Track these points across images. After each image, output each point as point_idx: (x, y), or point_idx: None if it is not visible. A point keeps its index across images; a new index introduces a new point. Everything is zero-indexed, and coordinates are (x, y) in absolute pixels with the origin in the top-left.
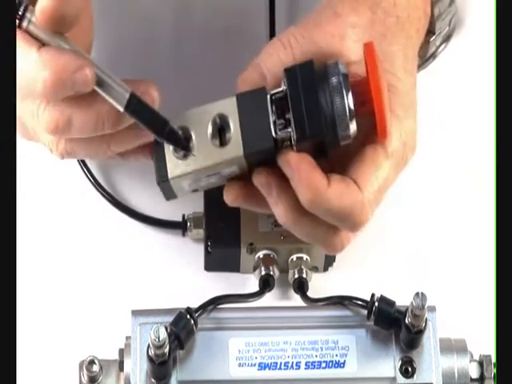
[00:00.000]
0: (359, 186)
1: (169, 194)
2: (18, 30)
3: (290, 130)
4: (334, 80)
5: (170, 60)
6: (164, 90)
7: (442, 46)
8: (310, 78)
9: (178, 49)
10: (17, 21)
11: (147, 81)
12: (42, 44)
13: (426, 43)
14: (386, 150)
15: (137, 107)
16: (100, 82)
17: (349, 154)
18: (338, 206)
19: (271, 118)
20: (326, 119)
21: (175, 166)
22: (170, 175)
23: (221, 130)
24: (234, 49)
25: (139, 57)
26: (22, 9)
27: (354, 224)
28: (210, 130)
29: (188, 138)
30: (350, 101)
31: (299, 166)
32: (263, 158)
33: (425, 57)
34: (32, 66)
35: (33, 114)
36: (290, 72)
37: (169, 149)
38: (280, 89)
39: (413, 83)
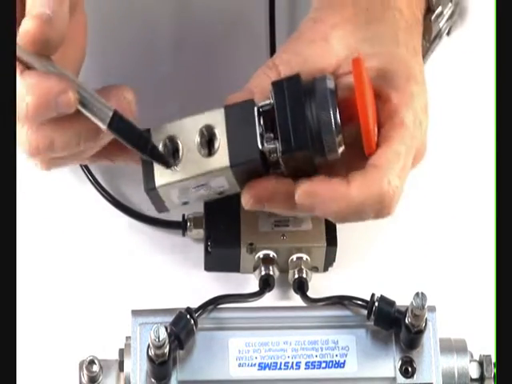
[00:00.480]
0: (380, 168)
1: (159, 205)
2: None
3: (276, 142)
4: (320, 95)
5: (169, 61)
6: (164, 91)
7: (446, 24)
8: (296, 92)
9: (177, 50)
10: None
11: (120, 85)
12: (26, 66)
13: (428, 23)
14: (395, 122)
15: (119, 125)
16: (83, 102)
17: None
18: (365, 198)
19: (258, 130)
20: (311, 133)
21: (162, 175)
22: (157, 184)
23: (209, 141)
24: (234, 50)
25: (139, 58)
26: None
27: (387, 207)
28: (197, 140)
29: (175, 148)
30: (336, 116)
31: (315, 188)
32: (251, 170)
33: (430, 38)
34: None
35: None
36: (277, 85)
37: None
38: (268, 101)
39: (410, 52)
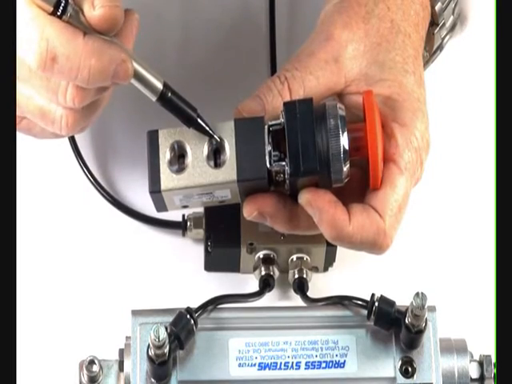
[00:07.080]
0: (379, 214)
1: (159, 205)
2: (60, 20)
3: (284, 163)
4: (331, 122)
5: (175, 62)
6: None
7: (448, 36)
8: (308, 116)
9: (182, 50)
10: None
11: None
12: (84, 32)
13: (431, 36)
14: (399, 166)
15: (168, 97)
16: (136, 73)
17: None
18: (361, 240)
19: (267, 149)
20: (320, 159)
21: (169, 179)
22: (162, 187)
23: (216, 152)
24: (235, 50)
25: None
26: (62, 4)
27: (378, 251)
28: (205, 149)
29: (182, 154)
30: (345, 144)
31: (320, 206)
32: (255, 185)
33: (432, 50)
34: (75, 54)
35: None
36: (289, 106)
37: (164, 161)
38: (278, 121)
39: (417, 80)
